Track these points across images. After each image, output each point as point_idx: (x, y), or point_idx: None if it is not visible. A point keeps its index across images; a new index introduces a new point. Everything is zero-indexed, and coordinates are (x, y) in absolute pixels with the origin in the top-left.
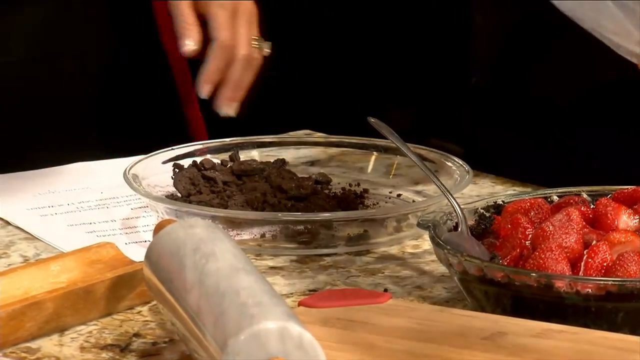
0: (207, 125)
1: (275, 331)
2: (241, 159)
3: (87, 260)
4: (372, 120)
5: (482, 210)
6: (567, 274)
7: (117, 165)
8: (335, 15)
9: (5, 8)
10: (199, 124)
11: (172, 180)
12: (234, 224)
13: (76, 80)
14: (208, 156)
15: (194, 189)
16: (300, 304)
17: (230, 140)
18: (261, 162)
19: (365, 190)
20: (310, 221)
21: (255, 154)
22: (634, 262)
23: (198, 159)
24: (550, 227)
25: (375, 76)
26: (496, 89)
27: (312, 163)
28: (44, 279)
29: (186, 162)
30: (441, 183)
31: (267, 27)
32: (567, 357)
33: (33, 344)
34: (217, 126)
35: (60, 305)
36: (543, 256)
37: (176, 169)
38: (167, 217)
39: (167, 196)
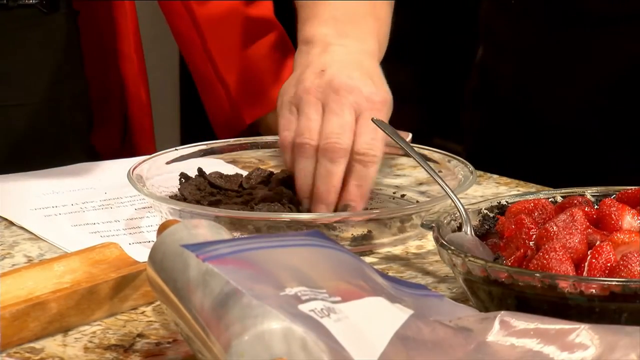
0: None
1: (279, 332)
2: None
3: (91, 260)
4: (375, 120)
5: (486, 211)
6: (571, 274)
7: (121, 166)
8: None
9: None
10: (146, 134)
11: (178, 189)
12: (237, 224)
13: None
14: (216, 170)
15: (200, 193)
16: None
17: (234, 141)
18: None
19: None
20: (315, 221)
21: (260, 154)
22: (637, 263)
23: (203, 167)
24: (554, 227)
25: None
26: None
27: None
28: (47, 279)
29: (190, 166)
30: (445, 183)
31: None
32: None
33: (37, 344)
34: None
35: (64, 306)
36: (547, 256)
37: (182, 179)
38: (170, 217)
39: (171, 197)
